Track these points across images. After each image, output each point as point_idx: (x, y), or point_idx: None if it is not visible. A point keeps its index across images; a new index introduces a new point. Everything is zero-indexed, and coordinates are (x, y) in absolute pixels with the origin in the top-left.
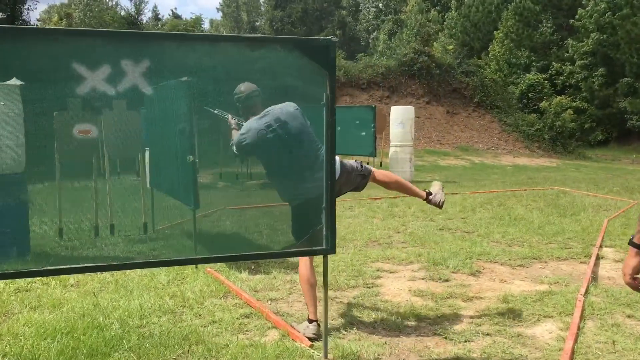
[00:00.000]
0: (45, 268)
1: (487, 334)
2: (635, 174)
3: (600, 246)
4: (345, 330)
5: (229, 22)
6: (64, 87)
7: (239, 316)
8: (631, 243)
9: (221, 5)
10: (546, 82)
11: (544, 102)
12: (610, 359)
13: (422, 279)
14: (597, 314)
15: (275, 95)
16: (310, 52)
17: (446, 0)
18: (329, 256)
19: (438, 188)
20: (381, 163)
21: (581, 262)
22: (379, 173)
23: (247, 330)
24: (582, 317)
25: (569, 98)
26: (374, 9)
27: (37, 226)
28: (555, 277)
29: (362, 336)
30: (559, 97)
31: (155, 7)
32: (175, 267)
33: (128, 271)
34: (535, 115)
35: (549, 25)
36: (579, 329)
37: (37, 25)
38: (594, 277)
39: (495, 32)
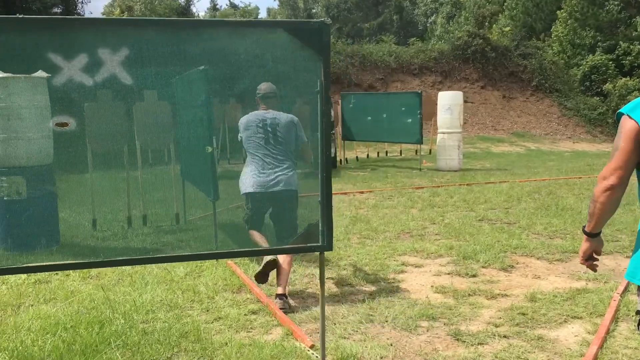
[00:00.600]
0: (65, 262)
1: (504, 336)
2: None
3: None
4: (353, 330)
5: (285, 10)
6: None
7: (247, 312)
8: (583, 231)
9: None
10: (611, 63)
11: (607, 84)
12: None
13: (449, 273)
14: (633, 316)
15: (270, 80)
16: (302, 35)
17: None
18: (352, 250)
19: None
20: (430, 150)
21: (627, 257)
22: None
23: (251, 328)
24: (614, 319)
25: (637, 80)
26: None
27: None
28: (594, 274)
29: (368, 336)
30: (624, 79)
31: None
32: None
33: None
34: (598, 98)
35: (616, 2)
36: (608, 332)
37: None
38: None
39: (558, 12)
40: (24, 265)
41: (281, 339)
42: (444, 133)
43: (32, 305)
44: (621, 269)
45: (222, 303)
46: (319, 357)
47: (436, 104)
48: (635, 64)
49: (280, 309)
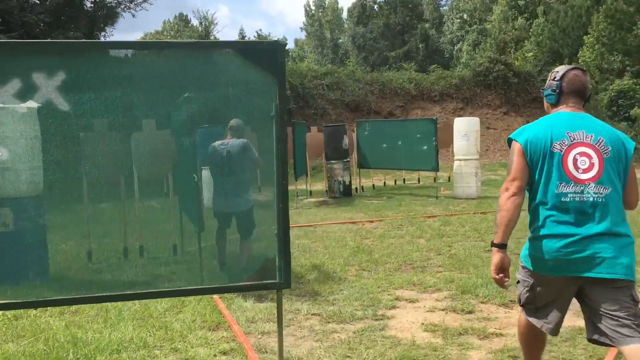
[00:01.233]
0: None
1: None
2: None
3: None
4: None
5: (312, 40)
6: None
7: (217, 352)
8: (492, 244)
9: (305, 24)
10: (639, 87)
11: (635, 108)
12: None
13: (443, 309)
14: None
15: (218, 107)
16: (254, 57)
17: (534, 7)
18: (346, 283)
19: None
20: (449, 178)
21: None
22: None
23: None
24: None
25: None
26: (459, 20)
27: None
28: None
29: None
30: None
31: (242, 29)
32: None
33: None
34: (626, 123)
35: None
36: None
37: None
38: None
39: (585, 37)
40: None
41: None
42: (460, 160)
43: None
44: None
45: (193, 342)
46: None
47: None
48: None
49: None
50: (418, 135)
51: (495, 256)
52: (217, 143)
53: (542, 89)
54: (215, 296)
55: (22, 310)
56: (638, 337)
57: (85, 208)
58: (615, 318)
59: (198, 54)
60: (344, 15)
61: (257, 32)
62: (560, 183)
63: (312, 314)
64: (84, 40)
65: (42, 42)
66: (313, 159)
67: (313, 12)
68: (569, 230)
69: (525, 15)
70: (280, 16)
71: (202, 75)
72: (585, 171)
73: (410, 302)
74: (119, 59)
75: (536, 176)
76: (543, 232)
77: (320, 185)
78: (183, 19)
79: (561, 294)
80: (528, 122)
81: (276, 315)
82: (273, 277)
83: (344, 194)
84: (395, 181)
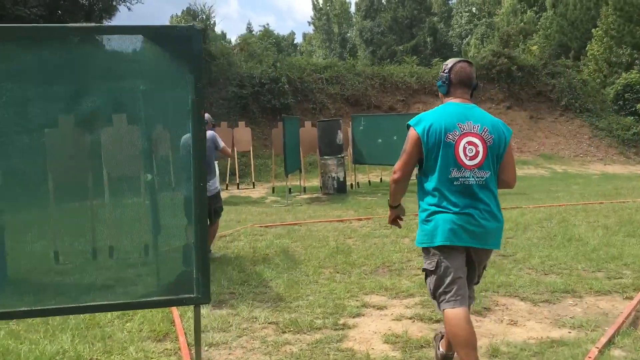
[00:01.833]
0: None
1: None
2: None
3: None
4: None
5: (320, 34)
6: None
7: None
8: (389, 206)
9: (312, 18)
10: None
11: None
12: None
13: (410, 318)
14: None
15: (124, 101)
16: (167, 43)
17: (543, 0)
18: (315, 287)
19: None
20: None
21: (626, 298)
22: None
23: None
24: None
25: None
26: (467, 14)
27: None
28: (582, 319)
29: None
30: None
31: (249, 23)
32: None
33: None
34: (632, 117)
35: None
36: None
37: None
38: (634, 321)
39: (593, 30)
40: None
41: None
42: None
43: None
44: (616, 312)
45: (132, 355)
46: None
47: None
48: None
49: None
50: None
51: (392, 211)
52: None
53: (436, 81)
54: None
55: None
56: (473, 294)
57: None
58: (471, 283)
59: (100, 41)
60: (352, 9)
61: (263, 26)
62: (453, 169)
63: (269, 323)
64: None
65: None
66: (307, 155)
67: (321, 5)
68: (460, 209)
69: (535, 8)
70: (289, 11)
71: (107, 65)
72: (472, 158)
73: (377, 309)
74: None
75: (431, 162)
76: (439, 209)
77: (316, 182)
78: (191, 14)
79: (458, 264)
80: (532, 117)
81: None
82: (189, 291)
83: (338, 191)
84: None
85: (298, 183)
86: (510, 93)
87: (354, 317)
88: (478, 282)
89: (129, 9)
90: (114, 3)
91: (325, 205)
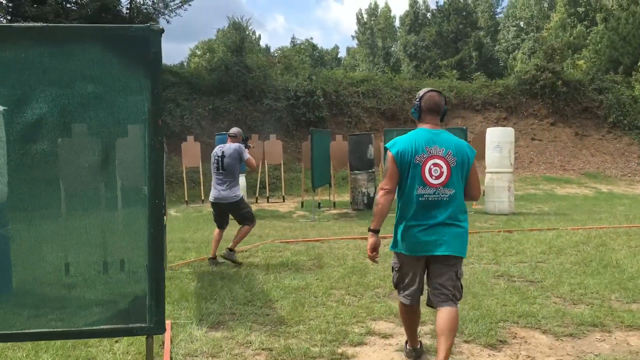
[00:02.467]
0: None
1: None
2: None
3: None
4: None
5: (364, 49)
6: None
7: None
8: (369, 230)
9: (357, 32)
10: None
11: None
12: None
13: None
14: None
15: (73, 108)
16: (120, 46)
17: (593, 14)
18: (320, 310)
19: None
20: (484, 192)
21: None
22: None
23: None
24: None
25: None
26: (515, 28)
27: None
28: (608, 357)
29: None
30: None
31: (293, 36)
32: None
33: None
34: None
35: None
36: None
37: None
38: None
39: None
40: None
41: None
42: (492, 173)
43: None
44: None
45: None
46: None
47: None
48: None
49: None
50: None
51: (371, 239)
52: (218, 147)
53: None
54: (168, 322)
55: None
56: (450, 302)
57: None
58: (439, 287)
59: (46, 42)
60: (397, 23)
61: (307, 39)
62: (420, 187)
63: (262, 349)
64: None
65: None
66: (340, 169)
67: (365, 20)
68: (423, 222)
69: (585, 22)
70: (334, 25)
71: (54, 69)
72: (437, 177)
73: (382, 337)
74: None
75: (403, 181)
76: (408, 223)
77: (347, 197)
78: (236, 27)
79: (416, 270)
80: (577, 134)
81: (222, 349)
82: (141, 320)
83: (368, 207)
84: None
85: (328, 198)
86: (554, 109)
87: (354, 346)
88: (455, 291)
89: (168, 22)
90: (154, 16)
91: (353, 221)
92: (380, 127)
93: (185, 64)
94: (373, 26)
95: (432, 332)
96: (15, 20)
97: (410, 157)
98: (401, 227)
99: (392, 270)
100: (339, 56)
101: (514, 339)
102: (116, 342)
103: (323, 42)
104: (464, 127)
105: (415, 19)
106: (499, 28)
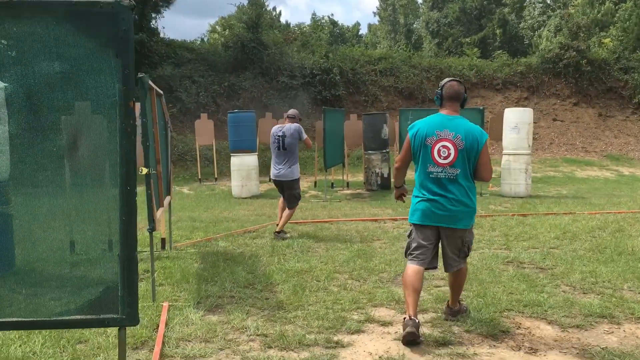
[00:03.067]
0: None
1: None
2: None
3: None
4: None
5: (385, 25)
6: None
7: None
8: (395, 186)
9: (378, 9)
10: None
11: None
12: None
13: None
14: None
15: (37, 89)
16: (87, 22)
17: None
18: (321, 295)
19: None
20: (500, 174)
21: None
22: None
23: None
24: None
25: None
26: (541, 5)
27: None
28: (615, 351)
29: None
30: None
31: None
32: None
33: None
34: None
35: None
36: None
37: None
38: None
39: None
40: None
41: None
42: (509, 154)
43: None
44: None
45: None
46: None
47: None
48: None
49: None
50: None
51: (397, 190)
52: (277, 127)
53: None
54: (166, 304)
55: None
56: (460, 263)
57: None
58: (448, 254)
59: (8, 18)
60: None
61: (328, 16)
62: (430, 165)
63: (257, 335)
64: None
65: None
66: (355, 149)
67: None
68: (433, 196)
69: None
70: (356, 2)
71: (15, 46)
72: (445, 158)
73: (381, 325)
74: None
75: (417, 159)
76: (420, 195)
77: (361, 177)
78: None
79: (425, 236)
80: (601, 115)
81: (216, 334)
82: (113, 310)
83: (381, 187)
84: None
85: (342, 177)
86: (577, 89)
87: (351, 334)
88: (462, 255)
89: None
90: None
91: (365, 202)
92: (398, 106)
93: (205, 40)
94: (395, 2)
95: (433, 320)
96: None
97: (422, 139)
98: (414, 200)
99: (408, 239)
100: (359, 33)
101: (517, 329)
102: None
103: (344, 19)
104: (481, 108)
105: None
106: (525, 4)
